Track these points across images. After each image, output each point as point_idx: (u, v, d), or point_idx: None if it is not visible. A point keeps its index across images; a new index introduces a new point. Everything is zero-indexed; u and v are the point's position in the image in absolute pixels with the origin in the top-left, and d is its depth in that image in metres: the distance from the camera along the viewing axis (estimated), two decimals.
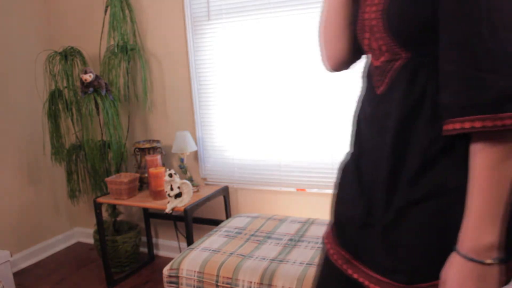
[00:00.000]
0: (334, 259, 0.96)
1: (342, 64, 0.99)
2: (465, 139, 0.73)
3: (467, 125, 0.67)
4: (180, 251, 2.93)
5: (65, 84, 2.75)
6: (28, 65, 2.98)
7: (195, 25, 2.60)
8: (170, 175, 2.26)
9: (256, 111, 2.51)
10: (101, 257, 2.66)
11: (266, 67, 2.43)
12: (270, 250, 1.89)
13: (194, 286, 1.81)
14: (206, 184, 2.74)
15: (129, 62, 2.76)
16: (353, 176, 0.93)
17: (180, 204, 2.30)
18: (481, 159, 0.69)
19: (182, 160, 2.57)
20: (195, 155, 2.76)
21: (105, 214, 2.81)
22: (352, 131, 0.99)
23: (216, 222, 2.70)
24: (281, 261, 1.77)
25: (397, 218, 0.81)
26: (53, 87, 2.76)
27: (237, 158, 2.61)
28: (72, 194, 2.84)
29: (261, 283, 1.68)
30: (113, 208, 2.83)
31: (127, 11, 2.70)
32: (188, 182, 2.34)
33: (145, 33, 2.78)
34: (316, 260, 1.76)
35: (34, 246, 3.04)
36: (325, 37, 0.98)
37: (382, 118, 0.83)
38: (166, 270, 1.89)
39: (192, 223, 2.48)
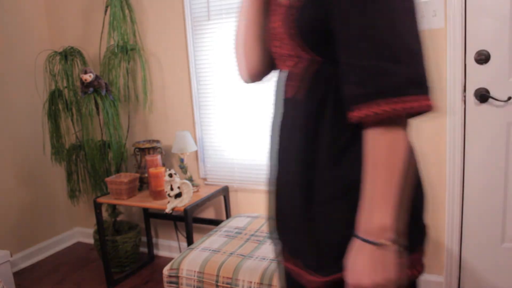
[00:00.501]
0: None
1: (257, 75, 1.02)
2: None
3: (369, 111, 0.70)
4: (180, 251, 2.93)
5: (65, 84, 2.75)
6: (28, 65, 2.98)
7: (195, 25, 2.60)
8: (170, 175, 2.26)
9: (256, 111, 2.51)
10: (101, 257, 2.66)
11: None
12: (270, 250, 1.89)
13: (194, 286, 1.81)
14: (206, 184, 2.74)
15: (129, 62, 2.76)
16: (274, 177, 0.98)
17: (180, 204, 2.30)
18: (373, 142, 0.72)
19: (182, 160, 2.57)
20: (195, 155, 2.76)
21: (105, 214, 2.81)
22: (271, 136, 1.02)
23: (216, 222, 2.70)
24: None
25: (313, 214, 0.83)
26: (53, 87, 2.76)
27: (237, 158, 2.61)
28: (72, 194, 2.84)
29: (261, 283, 1.68)
30: (113, 208, 2.83)
31: (127, 11, 2.70)
32: (188, 182, 2.34)
33: (145, 33, 2.78)
34: None
35: (34, 246, 3.04)
36: (240, 49, 1.01)
37: (291, 120, 0.86)
38: (166, 270, 1.89)
39: (192, 223, 2.48)
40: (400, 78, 0.69)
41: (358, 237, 0.75)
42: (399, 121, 0.71)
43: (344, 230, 0.80)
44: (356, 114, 0.72)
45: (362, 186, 0.75)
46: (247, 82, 1.04)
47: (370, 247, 0.73)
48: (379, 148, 0.72)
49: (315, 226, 0.84)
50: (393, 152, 0.71)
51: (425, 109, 0.70)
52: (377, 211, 0.73)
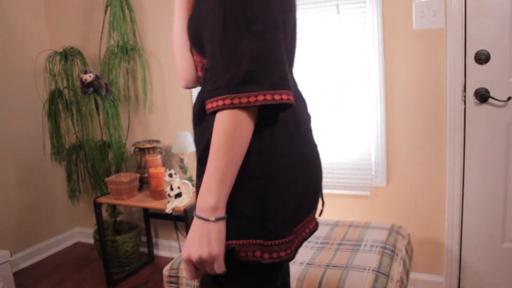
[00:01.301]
0: None
1: (192, 82, 1.06)
2: None
3: (214, 104, 0.81)
4: (180, 251, 2.93)
5: (65, 84, 2.75)
6: (28, 65, 2.98)
7: None
8: (170, 175, 2.26)
9: None
10: (101, 257, 2.66)
11: None
12: None
13: (194, 286, 1.81)
14: None
15: (129, 62, 2.76)
16: None
17: (180, 204, 2.30)
18: (216, 130, 0.82)
19: (182, 160, 2.57)
20: (195, 155, 2.75)
21: (105, 214, 2.81)
22: None
23: None
24: None
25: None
26: (53, 87, 2.76)
27: None
28: (72, 194, 2.84)
29: None
30: (113, 208, 2.83)
31: (127, 11, 2.70)
32: (188, 182, 2.34)
33: (145, 33, 2.78)
34: (317, 260, 1.76)
35: (34, 246, 3.04)
36: (176, 57, 1.07)
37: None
38: (166, 270, 1.89)
39: None
40: (236, 77, 0.79)
41: (194, 214, 0.84)
42: (237, 113, 0.80)
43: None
44: (207, 106, 0.83)
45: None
46: (185, 87, 1.09)
47: (199, 222, 0.83)
48: (216, 137, 0.82)
49: None
50: (228, 140, 0.81)
51: (263, 103, 0.80)
52: (210, 193, 0.82)
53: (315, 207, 1.04)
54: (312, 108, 2.36)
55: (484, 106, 2.04)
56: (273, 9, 0.83)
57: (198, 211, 0.83)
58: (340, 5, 2.19)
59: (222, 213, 0.83)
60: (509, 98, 1.98)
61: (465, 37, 2.01)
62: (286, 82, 0.82)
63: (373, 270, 1.64)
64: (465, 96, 2.06)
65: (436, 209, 2.21)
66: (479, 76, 2.02)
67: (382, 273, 1.63)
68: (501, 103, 2.00)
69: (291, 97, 0.83)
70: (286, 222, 0.90)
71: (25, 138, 2.98)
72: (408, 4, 2.08)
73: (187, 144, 2.51)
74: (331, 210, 2.45)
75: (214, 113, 0.82)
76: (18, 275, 2.83)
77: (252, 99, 0.79)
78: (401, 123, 2.21)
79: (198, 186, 0.93)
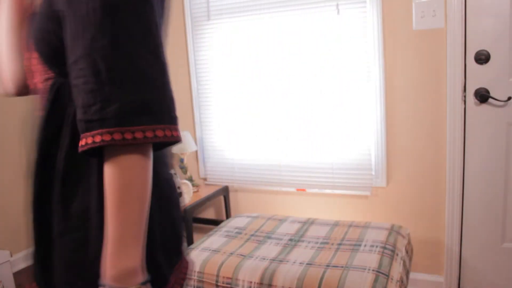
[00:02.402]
0: None
1: (21, 88, 0.90)
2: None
3: (97, 139, 0.62)
4: None
5: None
6: None
7: (195, 25, 2.60)
8: None
9: (256, 111, 2.51)
10: None
11: (266, 67, 2.43)
12: (270, 250, 1.89)
13: (194, 286, 1.81)
14: (206, 184, 2.74)
15: None
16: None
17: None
18: (111, 176, 0.63)
19: (182, 160, 2.57)
20: (195, 155, 2.76)
21: None
22: None
23: (216, 222, 2.70)
24: (281, 261, 1.77)
25: (49, 251, 0.75)
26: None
27: (237, 158, 2.61)
28: None
29: (261, 283, 1.68)
30: None
31: None
32: (188, 182, 2.34)
33: None
34: (316, 260, 1.76)
35: None
36: (2, 59, 0.90)
37: (38, 141, 0.75)
38: None
39: (192, 223, 2.48)
40: (124, 105, 0.62)
41: (106, 285, 0.65)
42: (132, 151, 0.63)
43: (76, 272, 0.72)
44: (86, 141, 0.63)
45: (106, 226, 0.65)
46: (13, 95, 0.91)
47: None
48: (112, 185, 0.63)
49: (53, 264, 0.75)
50: (127, 188, 0.63)
51: (161, 140, 0.64)
52: (126, 255, 0.64)
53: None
54: (312, 108, 2.36)
55: (484, 106, 2.04)
56: (160, 26, 0.69)
57: (112, 282, 0.64)
58: (340, 5, 2.19)
59: (142, 276, 0.66)
60: (509, 98, 1.98)
61: (465, 37, 2.01)
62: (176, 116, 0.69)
63: (373, 270, 1.64)
64: (465, 96, 2.06)
65: (436, 209, 2.21)
66: (479, 76, 2.02)
67: (382, 273, 1.63)
68: (501, 103, 2.00)
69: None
70: (171, 267, 0.79)
71: (25, 138, 2.98)
72: (408, 4, 2.08)
73: (187, 144, 2.51)
74: (331, 210, 2.45)
75: (94, 150, 0.64)
76: (18, 275, 2.83)
77: (149, 134, 0.63)
78: (401, 123, 2.21)
79: (61, 232, 0.72)
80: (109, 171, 0.63)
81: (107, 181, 0.63)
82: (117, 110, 0.61)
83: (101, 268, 0.67)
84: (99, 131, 0.61)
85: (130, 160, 0.63)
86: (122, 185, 0.62)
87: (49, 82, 0.75)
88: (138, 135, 0.62)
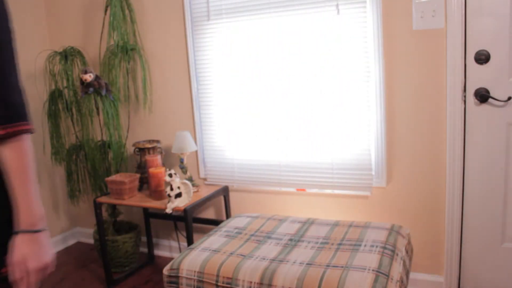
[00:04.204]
0: None
1: None
2: None
3: (20, 128, 0.92)
4: (180, 251, 2.93)
5: (65, 84, 2.75)
6: (28, 65, 2.98)
7: (195, 25, 2.60)
8: (170, 175, 2.26)
9: (256, 111, 2.51)
10: (101, 257, 2.66)
11: (266, 67, 2.43)
12: (270, 250, 1.89)
13: (194, 286, 1.81)
14: (206, 184, 2.74)
15: (129, 62, 2.76)
16: None
17: (180, 204, 2.30)
18: (23, 153, 0.92)
19: (182, 160, 2.57)
20: (195, 155, 2.76)
21: (105, 214, 2.81)
22: None
23: (216, 222, 2.70)
24: (281, 261, 1.77)
25: None
26: (53, 87, 2.76)
27: (237, 158, 2.61)
28: (72, 194, 2.84)
29: (261, 283, 1.68)
30: (113, 208, 2.83)
31: (127, 11, 2.70)
32: (188, 182, 2.34)
33: (145, 33, 2.78)
34: (316, 260, 1.76)
35: None
36: None
37: None
38: (166, 270, 1.89)
39: (192, 223, 2.48)
40: (23, 107, 0.94)
41: (20, 232, 0.92)
42: (19, 138, 0.93)
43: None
44: (15, 129, 0.92)
45: (13, 191, 0.92)
46: None
47: (30, 235, 0.92)
48: (25, 156, 0.92)
49: None
50: (21, 159, 0.92)
51: (29, 132, 0.94)
52: (36, 206, 0.93)
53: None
54: (312, 108, 2.36)
55: (484, 106, 2.04)
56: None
57: (27, 226, 0.92)
58: (340, 5, 2.19)
59: (45, 221, 0.96)
60: (509, 98, 1.99)
61: (465, 37, 2.01)
62: None
63: (373, 270, 1.64)
64: (465, 96, 2.06)
65: (436, 209, 2.21)
66: (479, 76, 2.02)
67: (382, 273, 1.63)
68: (501, 103, 2.01)
69: None
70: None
71: None
72: (408, 4, 2.08)
73: (187, 144, 2.51)
74: (331, 210, 2.45)
75: (10, 136, 0.91)
76: None
77: (32, 126, 0.96)
78: (401, 123, 2.21)
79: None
80: (22, 147, 0.93)
81: (21, 154, 0.92)
82: (21, 109, 0.94)
83: (16, 221, 0.93)
84: (21, 122, 0.93)
85: (29, 142, 0.95)
86: (29, 156, 0.93)
87: None
88: (32, 127, 0.95)
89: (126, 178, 2.49)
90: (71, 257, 3.09)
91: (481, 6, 1.95)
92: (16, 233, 0.92)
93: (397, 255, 1.80)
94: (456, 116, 2.07)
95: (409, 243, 2.01)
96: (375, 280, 1.58)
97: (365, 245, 1.85)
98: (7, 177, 0.93)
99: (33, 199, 0.92)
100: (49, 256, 0.95)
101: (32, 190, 0.93)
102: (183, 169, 2.58)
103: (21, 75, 0.91)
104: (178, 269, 1.86)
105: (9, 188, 0.94)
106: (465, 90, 2.06)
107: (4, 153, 0.92)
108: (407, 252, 1.92)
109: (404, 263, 1.82)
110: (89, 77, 2.52)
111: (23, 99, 0.95)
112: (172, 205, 2.27)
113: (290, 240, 1.98)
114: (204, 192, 2.52)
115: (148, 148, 2.66)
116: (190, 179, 2.58)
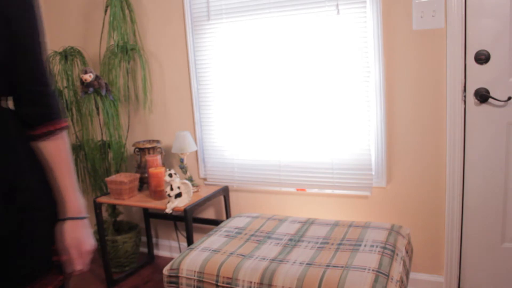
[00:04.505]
0: None
1: None
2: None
3: (64, 124, 1.02)
4: (180, 251, 2.93)
5: (65, 84, 2.75)
6: None
7: (195, 25, 2.60)
8: (170, 175, 2.26)
9: (256, 111, 2.51)
10: (101, 257, 2.66)
11: (266, 67, 2.43)
12: (270, 250, 1.89)
13: (194, 286, 1.81)
14: (206, 184, 2.74)
15: (129, 62, 2.76)
16: None
17: (180, 204, 2.30)
18: (56, 150, 0.99)
19: (182, 160, 2.57)
20: (195, 155, 2.76)
21: (105, 214, 2.81)
22: None
23: (216, 222, 2.70)
24: (281, 261, 1.77)
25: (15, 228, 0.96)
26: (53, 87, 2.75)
27: (237, 158, 2.61)
28: None
29: (261, 283, 1.68)
30: (113, 208, 2.83)
31: (127, 11, 2.70)
32: (188, 182, 2.34)
33: (145, 33, 2.78)
34: (316, 260, 1.76)
35: None
36: None
37: None
38: (166, 270, 1.89)
39: (192, 223, 2.48)
40: (57, 108, 1.02)
41: (70, 219, 1.02)
42: (61, 134, 1.02)
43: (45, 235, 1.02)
44: (61, 125, 1.01)
45: (59, 182, 1.01)
46: None
47: (80, 221, 1.03)
48: (65, 151, 1.01)
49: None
50: (65, 153, 1.01)
51: (67, 128, 1.04)
52: (76, 195, 1.02)
53: None
54: (312, 108, 2.36)
55: (484, 106, 2.04)
56: None
57: (75, 214, 1.02)
58: (340, 5, 2.19)
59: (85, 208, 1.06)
60: (509, 98, 1.99)
61: (465, 37, 2.01)
62: None
63: (373, 270, 1.64)
64: (465, 96, 2.06)
65: (436, 209, 2.21)
66: (479, 76, 2.02)
67: (382, 273, 1.63)
68: (501, 103, 2.01)
69: None
70: None
71: None
72: (408, 4, 2.08)
73: (187, 144, 2.51)
74: (331, 210, 2.45)
75: (52, 132, 1.00)
76: None
77: (62, 125, 1.04)
78: (401, 123, 2.21)
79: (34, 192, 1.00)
80: (63, 143, 1.02)
81: (62, 149, 1.01)
82: (57, 106, 1.05)
83: (64, 209, 1.01)
84: (64, 119, 1.02)
85: (63, 139, 1.02)
86: (68, 152, 1.02)
87: None
88: (59, 126, 1.02)
89: (126, 178, 2.49)
90: None
91: (481, 6, 1.95)
92: (63, 220, 1.01)
93: (397, 255, 1.80)
94: (456, 116, 2.07)
95: (409, 243, 2.01)
96: (375, 280, 1.58)
97: (365, 245, 1.85)
98: (50, 170, 1.00)
99: (76, 189, 1.01)
100: (93, 240, 1.06)
101: (74, 181, 1.02)
102: (183, 169, 2.58)
103: None
104: (178, 269, 1.86)
105: (53, 181, 1.01)
106: (465, 90, 2.06)
107: (48, 149, 1.00)
108: (407, 252, 1.92)
109: (404, 263, 1.82)
110: (89, 77, 2.52)
111: (57, 99, 1.04)
112: (172, 205, 2.27)
113: (290, 240, 1.98)
114: (204, 192, 2.52)
115: (148, 148, 2.66)
116: (190, 179, 2.58)
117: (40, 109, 0.99)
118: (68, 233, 1.00)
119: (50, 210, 1.01)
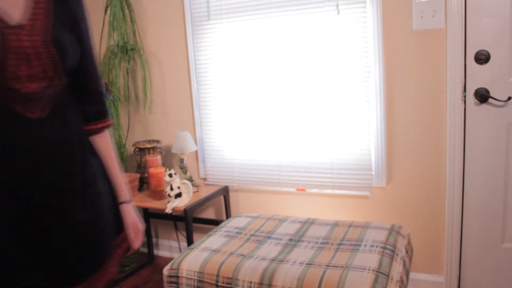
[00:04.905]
0: None
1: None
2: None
3: (111, 122, 1.17)
4: (180, 251, 2.93)
5: None
6: None
7: (195, 25, 2.60)
8: (170, 175, 2.26)
9: (256, 111, 2.51)
10: None
11: (266, 67, 2.43)
12: (270, 250, 1.89)
13: (194, 286, 1.81)
14: (206, 184, 2.74)
15: (129, 62, 2.76)
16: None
17: (180, 204, 2.30)
18: (108, 143, 1.14)
19: (182, 160, 2.57)
20: (195, 155, 2.76)
21: None
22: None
23: (216, 222, 2.70)
24: (281, 261, 1.77)
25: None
26: None
27: (237, 158, 2.61)
28: None
29: (261, 283, 1.68)
30: None
31: (127, 11, 2.70)
32: (188, 182, 2.34)
33: (145, 33, 2.78)
34: (316, 260, 1.76)
35: None
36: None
37: (51, 140, 0.96)
38: (166, 270, 1.89)
39: (192, 223, 2.48)
40: (107, 106, 1.16)
41: (127, 202, 1.16)
42: (109, 129, 1.18)
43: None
44: (109, 122, 1.16)
45: (111, 171, 1.14)
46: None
47: (131, 204, 1.18)
48: (112, 146, 1.14)
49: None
50: (112, 146, 1.16)
51: (112, 125, 1.24)
52: (123, 182, 1.16)
53: None
54: (312, 108, 2.36)
55: (484, 106, 2.04)
56: None
57: (130, 197, 1.19)
58: (340, 5, 2.19)
59: None
60: (509, 98, 1.98)
61: (465, 37, 2.01)
62: None
63: (373, 270, 1.64)
64: (465, 96, 2.06)
65: (436, 209, 2.21)
66: (479, 76, 2.02)
67: (382, 273, 1.63)
68: (501, 103, 2.00)
69: None
70: None
71: None
72: (408, 4, 2.08)
73: (187, 144, 2.51)
74: (331, 210, 2.45)
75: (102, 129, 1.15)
76: None
77: (111, 122, 1.20)
78: (401, 123, 2.21)
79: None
80: (107, 140, 1.16)
81: (108, 146, 1.15)
82: (107, 110, 1.19)
83: (119, 195, 1.16)
84: (109, 116, 1.16)
85: (108, 134, 1.18)
86: (111, 148, 1.16)
87: (55, 88, 0.97)
88: (110, 122, 1.19)
89: (126, 178, 2.49)
90: None
91: (481, 6, 1.95)
92: (121, 203, 1.14)
93: (397, 255, 1.80)
94: (456, 116, 2.07)
95: (409, 243, 2.01)
96: (375, 280, 1.58)
97: (365, 245, 1.85)
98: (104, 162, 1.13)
99: (122, 176, 1.15)
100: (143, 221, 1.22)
101: (120, 170, 1.16)
102: (183, 169, 2.58)
103: None
104: (178, 269, 1.86)
105: (107, 173, 1.14)
106: (465, 90, 2.06)
107: (101, 142, 1.13)
108: (407, 252, 1.92)
109: (404, 263, 1.82)
110: None
111: None
112: (172, 205, 2.27)
113: (290, 240, 1.98)
114: (204, 192, 2.52)
115: (148, 148, 2.66)
116: (190, 179, 2.58)
117: (100, 107, 1.13)
118: (128, 214, 1.14)
119: (114, 197, 1.14)
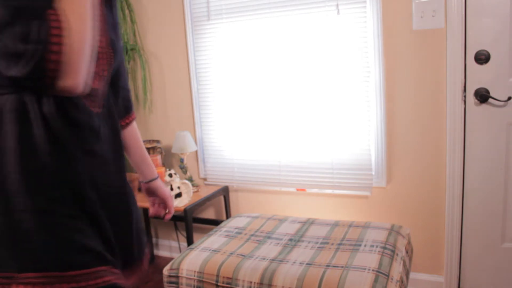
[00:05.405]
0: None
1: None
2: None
3: (135, 116, 1.30)
4: (180, 251, 2.93)
5: None
6: None
7: (195, 25, 2.60)
8: (170, 175, 2.26)
9: (256, 111, 2.51)
10: None
11: (266, 67, 2.43)
12: (270, 250, 1.89)
13: (194, 286, 1.81)
14: (206, 184, 2.74)
15: (129, 62, 2.76)
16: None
17: (180, 204, 2.30)
18: (136, 131, 1.29)
19: (182, 160, 2.57)
20: (195, 155, 2.76)
21: None
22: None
23: (216, 222, 2.70)
24: (281, 261, 1.77)
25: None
26: None
27: (237, 158, 2.61)
28: None
29: (261, 283, 1.68)
30: None
31: (127, 11, 2.70)
32: (188, 182, 2.34)
33: (145, 33, 2.78)
34: (316, 260, 1.76)
35: None
36: (87, 53, 0.96)
37: (110, 132, 1.06)
38: (166, 270, 1.89)
39: (192, 223, 2.48)
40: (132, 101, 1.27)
41: (155, 179, 1.28)
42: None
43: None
44: (134, 116, 1.28)
45: (143, 155, 1.29)
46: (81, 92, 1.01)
47: (160, 180, 1.30)
48: (138, 132, 1.30)
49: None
50: (139, 135, 1.31)
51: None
52: (151, 163, 1.30)
53: None
54: (312, 108, 2.36)
55: (484, 106, 2.04)
56: None
57: (156, 175, 1.29)
58: (340, 5, 2.19)
59: None
60: (509, 98, 1.99)
61: (465, 37, 2.01)
62: None
63: (373, 270, 1.64)
64: (465, 96, 2.06)
65: (436, 209, 2.21)
66: (479, 76, 2.02)
67: (382, 273, 1.63)
68: (501, 103, 2.01)
69: None
70: None
71: None
72: (408, 4, 2.08)
73: (187, 144, 2.51)
74: (331, 210, 2.45)
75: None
76: None
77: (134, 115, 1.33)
78: (401, 123, 2.21)
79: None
80: (136, 130, 1.30)
81: (136, 135, 1.30)
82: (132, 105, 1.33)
83: (148, 174, 1.29)
84: (133, 113, 1.30)
85: (135, 126, 1.31)
86: (139, 137, 1.31)
87: (104, 83, 1.02)
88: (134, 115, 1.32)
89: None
90: None
91: (481, 6, 1.95)
92: (155, 179, 1.28)
93: (397, 255, 1.80)
94: (456, 116, 2.07)
95: (409, 243, 2.01)
96: (375, 280, 1.58)
97: (365, 245, 1.85)
98: (131, 150, 1.26)
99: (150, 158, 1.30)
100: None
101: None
102: (183, 169, 2.58)
103: None
104: (178, 269, 1.86)
105: (135, 157, 1.27)
106: (465, 90, 2.06)
107: (131, 133, 1.26)
108: (407, 252, 1.92)
109: (404, 263, 1.82)
110: None
111: None
112: None
113: (290, 240, 1.98)
114: (204, 192, 2.52)
115: (148, 148, 2.66)
116: (190, 179, 2.58)
117: (128, 103, 1.25)
118: (161, 187, 1.28)
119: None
